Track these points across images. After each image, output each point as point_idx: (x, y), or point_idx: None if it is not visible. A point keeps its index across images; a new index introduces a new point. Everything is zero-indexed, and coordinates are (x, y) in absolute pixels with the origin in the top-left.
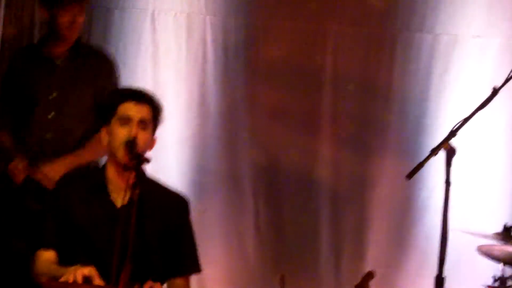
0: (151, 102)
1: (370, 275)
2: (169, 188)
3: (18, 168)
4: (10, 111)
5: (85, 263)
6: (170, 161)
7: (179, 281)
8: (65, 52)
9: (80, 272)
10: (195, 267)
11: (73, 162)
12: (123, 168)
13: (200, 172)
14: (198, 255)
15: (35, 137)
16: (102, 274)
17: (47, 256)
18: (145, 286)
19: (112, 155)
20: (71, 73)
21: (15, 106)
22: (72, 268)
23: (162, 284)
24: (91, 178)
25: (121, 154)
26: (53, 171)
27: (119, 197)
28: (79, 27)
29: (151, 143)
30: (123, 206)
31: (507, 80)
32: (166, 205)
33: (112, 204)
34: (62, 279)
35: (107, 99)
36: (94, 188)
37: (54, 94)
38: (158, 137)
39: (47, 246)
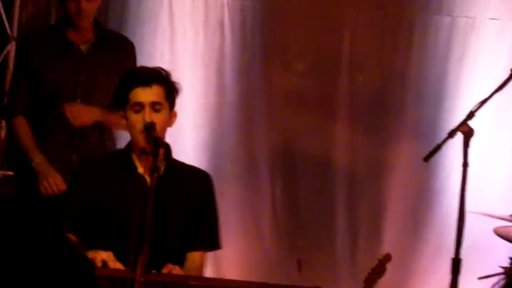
0: (161, 80)
1: (387, 258)
2: (190, 165)
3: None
4: (27, 96)
5: (112, 243)
6: (186, 145)
7: (197, 255)
8: (89, 39)
9: (100, 256)
10: (215, 244)
11: (103, 116)
12: (140, 152)
13: (217, 156)
14: (220, 232)
15: (62, 124)
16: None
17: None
18: (164, 269)
19: (133, 142)
20: (97, 60)
21: (34, 91)
22: (92, 251)
23: (181, 265)
24: (117, 158)
25: (141, 140)
26: (85, 112)
27: (147, 174)
28: (88, 14)
29: (171, 120)
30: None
31: None
32: (191, 182)
33: (140, 176)
34: None
35: (118, 87)
36: (122, 166)
37: (81, 82)
38: (175, 122)
39: (68, 230)
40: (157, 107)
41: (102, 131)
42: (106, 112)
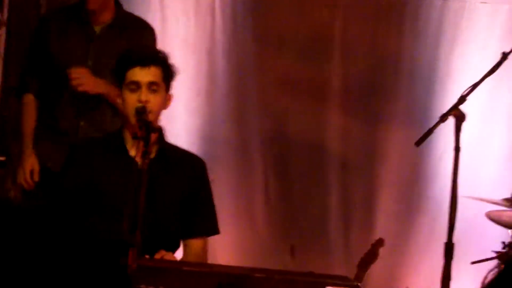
0: (159, 61)
1: (379, 243)
2: (185, 150)
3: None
4: (38, 76)
5: (104, 227)
6: (178, 131)
7: (196, 242)
8: (107, 20)
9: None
10: (213, 229)
11: (108, 89)
12: (132, 136)
13: (209, 142)
14: (216, 216)
15: (68, 105)
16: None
17: None
18: (157, 255)
19: (126, 120)
20: (109, 42)
21: (45, 72)
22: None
23: (174, 251)
24: (110, 141)
25: (133, 120)
26: (90, 79)
27: (138, 156)
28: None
29: (166, 102)
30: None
31: None
32: (185, 166)
33: (132, 159)
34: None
35: (116, 65)
36: (115, 149)
37: (90, 63)
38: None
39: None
40: (154, 87)
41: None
42: (113, 87)
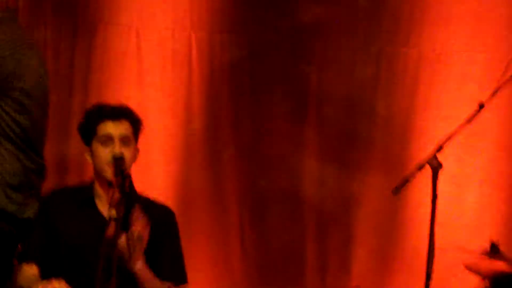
0: (129, 116)
1: None
2: (155, 200)
3: None
4: None
5: (72, 278)
6: (155, 178)
7: None
8: None
9: (51, 286)
10: (181, 278)
11: None
12: (108, 185)
13: (186, 189)
14: (185, 266)
15: None
16: None
17: (29, 270)
18: None
19: (98, 175)
20: None
21: None
22: (44, 281)
23: None
24: (80, 194)
25: (109, 173)
26: None
27: (112, 205)
28: None
29: (135, 157)
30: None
31: (493, 95)
32: (153, 217)
33: (101, 216)
34: None
35: (85, 120)
36: (83, 203)
37: None
38: (144, 155)
39: (30, 260)
40: (125, 140)
41: None
42: None
